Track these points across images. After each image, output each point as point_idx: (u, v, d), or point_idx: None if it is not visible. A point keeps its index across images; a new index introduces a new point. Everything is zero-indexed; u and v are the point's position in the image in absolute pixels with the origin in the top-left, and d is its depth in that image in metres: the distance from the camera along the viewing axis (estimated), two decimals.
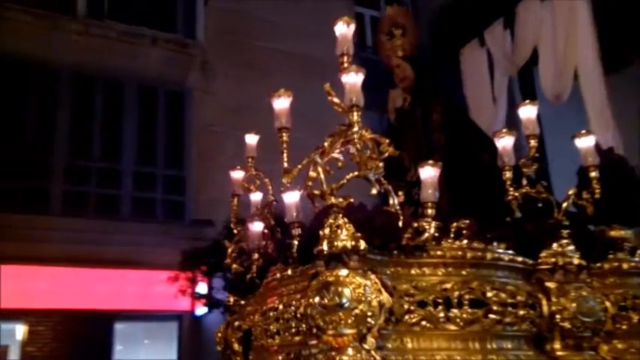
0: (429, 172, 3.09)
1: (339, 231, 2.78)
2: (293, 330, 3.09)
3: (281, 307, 3.18)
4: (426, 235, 2.98)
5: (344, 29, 3.15)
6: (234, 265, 3.74)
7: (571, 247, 3.32)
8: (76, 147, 10.45)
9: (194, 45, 11.10)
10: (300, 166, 3.09)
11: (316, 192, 2.90)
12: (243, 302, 3.68)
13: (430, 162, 3.11)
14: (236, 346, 3.52)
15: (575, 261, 3.29)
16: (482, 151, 3.80)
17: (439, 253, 3.09)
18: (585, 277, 3.33)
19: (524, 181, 3.50)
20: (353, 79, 2.97)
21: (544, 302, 3.22)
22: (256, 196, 3.80)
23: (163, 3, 11.19)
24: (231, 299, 3.76)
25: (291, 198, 3.23)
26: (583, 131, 3.68)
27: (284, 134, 3.20)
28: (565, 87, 5.41)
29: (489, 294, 3.06)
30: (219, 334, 3.72)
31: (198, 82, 11.10)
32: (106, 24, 10.58)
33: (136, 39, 10.69)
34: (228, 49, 11.21)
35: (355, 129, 2.91)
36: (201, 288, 9.57)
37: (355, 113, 2.93)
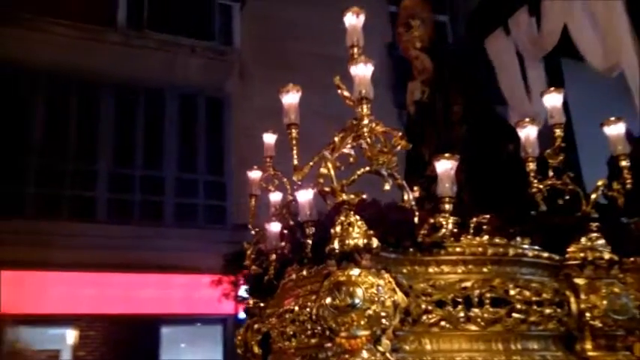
0: (445, 166, 2.97)
1: (350, 229, 2.69)
2: (309, 332, 3.02)
3: (297, 308, 3.11)
4: (443, 231, 2.86)
5: (353, 20, 3.08)
6: (253, 267, 3.69)
7: (601, 241, 3.15)
8: (119, 155, 10.65)
9: (231, 51, 11.17)
10: (311, 163, 3.02)
11: (326, 189, 2.82)
12: (262, 304, 3.63)
13: (447, 155, 2.98)
14: (256, 349, 3.47)
15: (606, 255, 3.12)
16: (507, 142, 3.64)
17: (458, 249, 2.97)
18: (617, 272, 3.16)
19: (551, 173, 3.33)
20: (362, 70, 2.89)
21: (572, 300, 3.06)
22: (276, 196, 3.74)
23: (200, 12, 11.28)
24: (251, 301, 3.72)
25: (305, 196, 3.16)
26: (612, 118, 3.49)
27: (293, 130, 3.13)
28: (617, 57, 5.10)
29: (512, 292, 2.93)
30: (239, 337, 3.69)
31: (236, 88, 11.16)
32: (146, 34, 10.73)
33: (175, 48, 10.81)
34: (265, 54, 11.23)
35: (365, 122, 2.83)
36: (244, 291, 9.59)
37: (365, 106, 2.84)
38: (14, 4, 9.87)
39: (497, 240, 3.01)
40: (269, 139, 3.86)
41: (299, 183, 3.11)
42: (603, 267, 3.10)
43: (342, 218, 2.73)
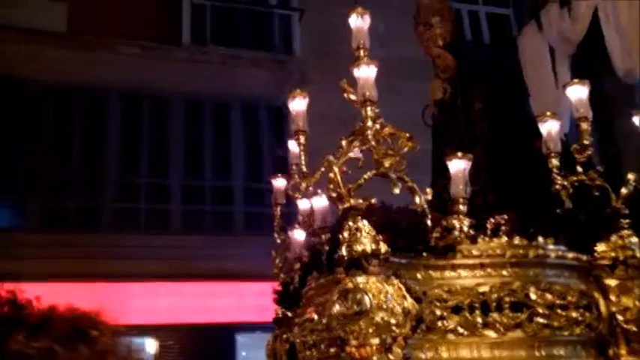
0: (458, 166, 2.89)
1: (358, 234, 2.67)
2: (327, 341, 3.00)
3: (316, 317, 3.09)
4: (456, 233, 2.78)
5: (359, 22, 3.07)
6: (282, 276, 3.70)
7: (634, 239, 2.96)
8: (189, 169, 10.96)
9: (292, 61, 11.29)
10: (322, 169, 2.99)
11: (333, 194, 2.80)
12: (290, 314, 3.63)
13: (459, 154, 2.90)
14: (284, 359, 3.48)
15: (639, 253, 2.92)
16: (535, 138, 3.47)
17: (475, 252, 2.86)
18: None
19: (579, 169, 3.15)
20: (365, 72, 2.87)
21: (601, 302, 2.89)
22: (304, 204, 3.73)
23: (260, 24, 11.49)
24: (279, 311, 3.72)
25: (320, 203, 3.15)
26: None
27: (301, 137, 3.12)
28: (635, 62, 4.84)
29: (533, 295, 2.80)
30: (269, 347, 3.70)
31: None
32: (209, 49, 11.01)
33: (238, 61, 11.04)
34: (325, 61, 11.25)
35: (369, 124, 2.81)
36: None
37: (369, 108, 2.82)
38: (83, 29, 10.40)
39: (516, 241, 2.88)
40: (294, 146, 3.85)
41: (309, 189, 3.10)
42: (636, 266, 2.91)
43: (350, 224, 2.71)
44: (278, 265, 3.72)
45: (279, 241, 3.76)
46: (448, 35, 4.14)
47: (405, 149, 2.80)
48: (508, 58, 5.42)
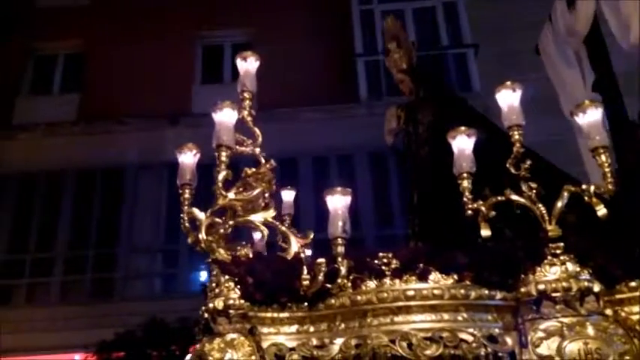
0: (335, 202, 2.50)
1: (217, 290, 2.48)
2: None
3: None
4: (320, 279, 2.38)
5: (245, 65, 2.92)
6: None
7: (571, 267, 2.21)
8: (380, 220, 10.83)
9: (472, 97, 10.49)
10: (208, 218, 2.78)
11: (201, 244, 2.63)
12: None
13: (338, 189, 2.52)
14: None
15: (575, 285, 2.16)
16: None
17: (359, 298, 2.39)
18: (599, 306, 2.15)
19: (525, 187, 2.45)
20: (224, 117, 2.71)
21: (517, 350, 2.18)
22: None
23: (435, 65, 11.24)
24: None
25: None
26: (587, 101, 2.47)
27: (186, 191, 2.94)
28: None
29: (415, 343, 2.23)
30: None
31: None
32: (385, 101, 11.07)
33: None
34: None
35: (221, 167, 2.63)
36: None
37: (223, 153, 2.64)
38: (268, 102, 11.28)
39: (400, 282, 2.34)
40: (287, 196, 3.67)
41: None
42: (569, 301, 2.15)
43: (212, 278, 2.53)
44: None
45: None
46: (407, 59, 3.66)
47: (257, 190, 2.53)
48: None
